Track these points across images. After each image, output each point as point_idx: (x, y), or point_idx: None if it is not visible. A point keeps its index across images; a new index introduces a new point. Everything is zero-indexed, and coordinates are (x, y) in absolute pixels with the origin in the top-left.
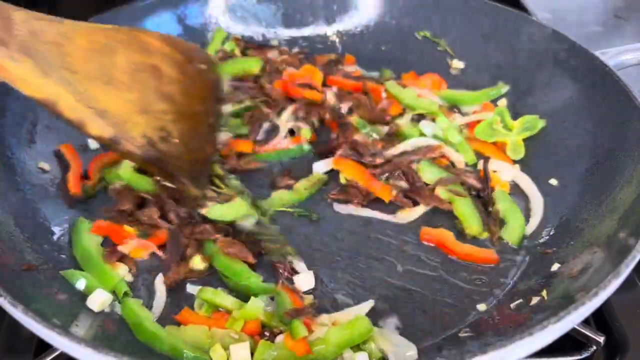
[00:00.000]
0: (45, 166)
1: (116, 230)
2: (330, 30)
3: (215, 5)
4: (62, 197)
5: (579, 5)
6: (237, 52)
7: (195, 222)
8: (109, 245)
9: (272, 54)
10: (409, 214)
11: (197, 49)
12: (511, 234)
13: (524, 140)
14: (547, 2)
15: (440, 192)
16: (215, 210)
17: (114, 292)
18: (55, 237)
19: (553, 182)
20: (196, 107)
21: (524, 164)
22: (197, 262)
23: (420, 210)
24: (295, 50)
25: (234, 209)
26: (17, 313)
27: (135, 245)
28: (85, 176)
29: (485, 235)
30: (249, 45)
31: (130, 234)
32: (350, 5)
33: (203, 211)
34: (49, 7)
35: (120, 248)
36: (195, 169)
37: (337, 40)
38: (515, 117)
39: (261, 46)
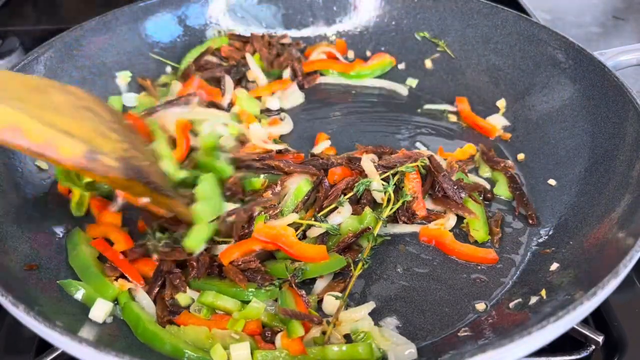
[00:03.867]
0: (43, 165)
1: (112, 252)
2: (330, 31)
3: (216, 6)
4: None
5: (577, 6)
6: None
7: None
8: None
9: (258, 44)
10: (446, 224)
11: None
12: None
13: (522, 140)
14: (546, 2)
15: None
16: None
17: (114, 300)
18: (57, 238)
19: (552, 182)
20: (141, 143)
21: (524, 164)
22: (185, 298)
23: (452, 219)
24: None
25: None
26: (19, 313)
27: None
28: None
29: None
30: (233, 38)
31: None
32: (350, 6)
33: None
34: (50, 8)
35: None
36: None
37: (337, 40)
38: (514, 118)
39: (244, 37)
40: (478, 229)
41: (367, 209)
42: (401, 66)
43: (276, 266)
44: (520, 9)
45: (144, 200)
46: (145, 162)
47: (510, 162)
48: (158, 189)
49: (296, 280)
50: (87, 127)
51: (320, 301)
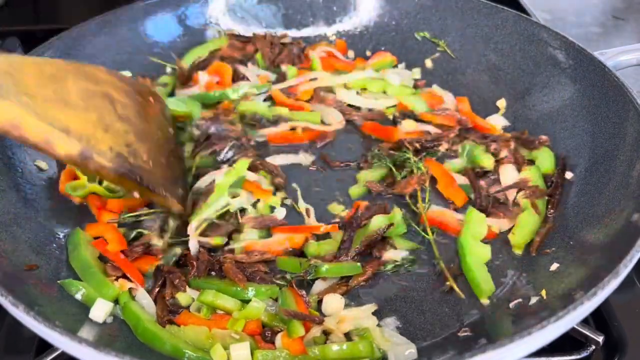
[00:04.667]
0: (42, 165)
1: (113, 252)
2: (330, 31)
3: (216, 6)
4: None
5: (577, 6)
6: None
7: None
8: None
9: (260, 44)
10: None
11: (142, 84)
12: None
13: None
14: (546, 2)
15: (523, 201)
16: None
17: (114, 300)
18: (57, 238)
19: None
20: (154, 131)
21: None
22: (185, 297)
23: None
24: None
25: None
26: (19, 313)
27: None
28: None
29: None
30: (233, 38)
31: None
32: (350, 6)
33: None
34: (49, 8)
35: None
36: (170, 184)
37: (336, 40)
38: (514, 117)
39: (244, 37)
40: (514, 233)
41: (397, 210)
42: (401, 66)
43: (289, 261)
44: (521, 9)
45: (135, 195)
46: (145, 157)
47: (544, 137)
48: (149, 188)
49: (308, 277)
50: (91, 120)
51: (320, 301)
